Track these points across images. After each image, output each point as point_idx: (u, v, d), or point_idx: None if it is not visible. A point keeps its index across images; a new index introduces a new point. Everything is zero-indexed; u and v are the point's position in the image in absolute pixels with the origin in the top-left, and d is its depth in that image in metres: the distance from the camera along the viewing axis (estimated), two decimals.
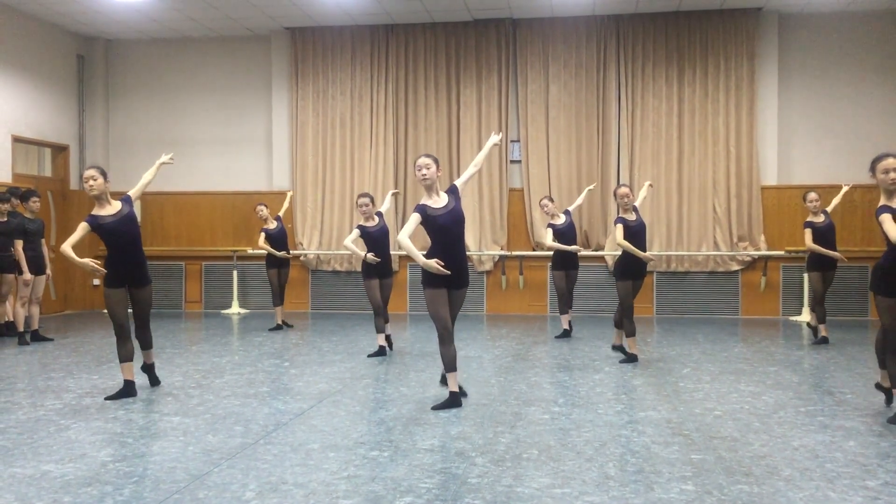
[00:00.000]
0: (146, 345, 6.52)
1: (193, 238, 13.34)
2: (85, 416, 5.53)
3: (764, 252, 11.98)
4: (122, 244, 6.09)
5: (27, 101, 12.22)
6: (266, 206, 10.76)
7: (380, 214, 8.41)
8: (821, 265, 8.96)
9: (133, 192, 6.35)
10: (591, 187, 10.63)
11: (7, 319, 9.60)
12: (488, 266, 12.63)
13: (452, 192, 5.78)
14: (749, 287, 12.15)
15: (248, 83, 13.43)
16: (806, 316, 11.61)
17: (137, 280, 6.20)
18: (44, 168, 13.23)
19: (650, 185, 9.04)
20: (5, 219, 9.07)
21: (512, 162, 12.71)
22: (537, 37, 12.49)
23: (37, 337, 9.27)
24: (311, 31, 12.91)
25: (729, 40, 12.09)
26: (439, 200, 5.72)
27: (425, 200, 5.72)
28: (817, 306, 9.08)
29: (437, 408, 5.70)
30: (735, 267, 12.15)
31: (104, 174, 6.13)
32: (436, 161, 5.74)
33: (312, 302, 12.98)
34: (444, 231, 5.64)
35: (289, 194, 11.79)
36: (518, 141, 12.66)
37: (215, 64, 13.50)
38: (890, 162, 5.29)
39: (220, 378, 6.97)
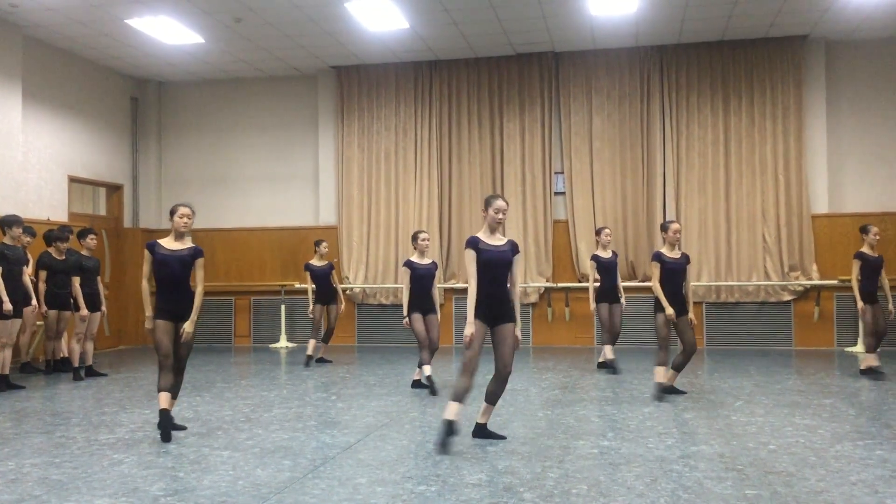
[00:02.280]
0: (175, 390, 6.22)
1: (243, 273, 13.57)
2: (137, 450, 5.62)
3: (816, 281, 11.72)
4: (164, 277, 6.11)
5: (83, 142, 12.62)
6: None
7: (436, 264, 8.52)
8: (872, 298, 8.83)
9: (199, 266, 6.26)
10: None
11: (62, 355, 9.83)
12: (534, 298, 12.58)
13: (512, 244, 5.82)
14: (802, 317, 11.88)
15: (295, 121, 13.70)
16: (862, 346, 11.29)
17: (179, 314, 6.12)
18: (99, 207, 13.61)
19: None
20: (63, 257, 9.33)
21: (556, 194, 12.70)
22: (580, 69, 12.53)
23: (91, 372, 9.47)
24: (356, 69, 13.14)
25: (775, 68, 11.97)
26: (496, 240, 5.78)
27: (481, 235, 5.79)
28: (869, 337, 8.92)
29: (437, 444, 5.52)
30: (787, 297, 11.91)
31: (194, 215, 6.32)
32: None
33: (359, 335, 13.06)
34: (488, 267, 5.66)
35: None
36: (562, 173, 12.66)
37: (263, 103, 13.81)
38: None
39: (269, 412, 7.03)
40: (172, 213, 6.21)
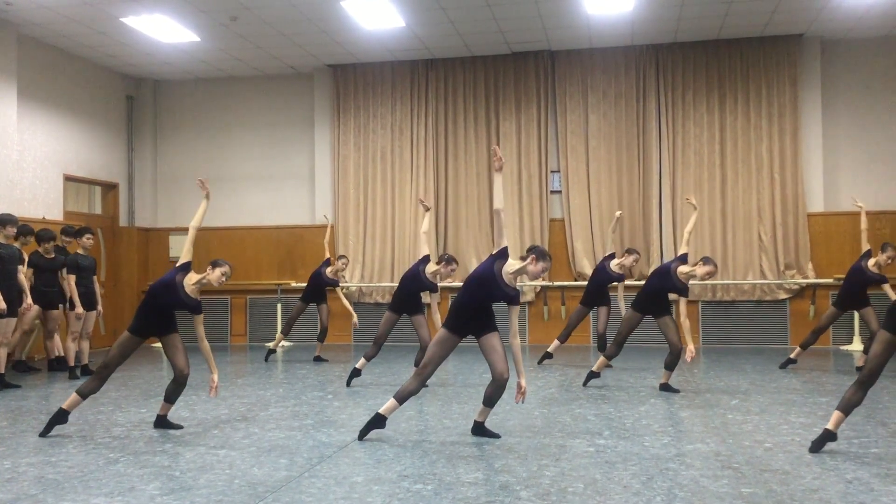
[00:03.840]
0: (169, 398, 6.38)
1: (238, 272, 13.45)
2: (133, 449, 5.61)
3: (812, 280, 11.75)
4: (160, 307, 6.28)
5: (78, 141, 12.60)
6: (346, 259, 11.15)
7: (426, 259, 8.40)
8: None
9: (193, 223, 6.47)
10: (618, 214, 10.30)
11: (57, 354, 9.81)
12: (530, 297, 12.59)
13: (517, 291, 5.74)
14: (797, 316, 11.91)
15: (292, 119, 13.69)
16: (858, 345, 11.36)
17: (161, 331, 6.32)
18: (94, 206, 13.59)
19: (694, 207, 8.58)
20: (52, 256, 9.33)
21: (552, 192, 12.71)
22: (576, 68, 12.53)
23: (87, 371, 9.45)
24: (353, 68, 13.13)
25: (770, 67, 11.99)
26: (512, 279, 5.69)
27: (507, 267, 5.68)
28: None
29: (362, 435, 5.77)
30: (783, 295, 11.94)
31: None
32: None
33: (355, 334, 13.05)
34: (481, 286, 5.75)
35: (329, 225, 11.53)
36: (558, 171, 12.67)
37: (259, 101, 13.80)
38: None
39: (265, 411, 7.03)
40: (215, 265, 6.22)
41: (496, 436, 5.81)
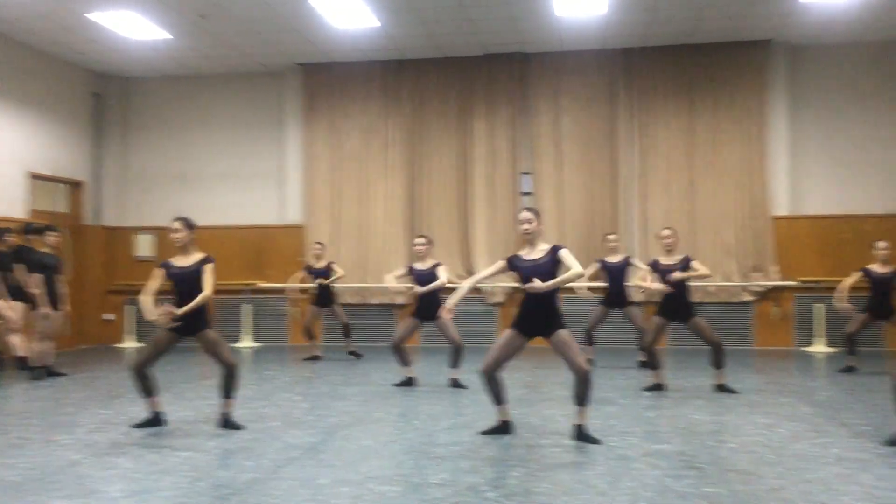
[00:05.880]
0: (226, 391, 6.31)
1: None
2: (96, 450, 5.53)
3: (777, 282, 11.91)
4: (178, 294, 6.20)
5: (43, 138, 12.40)
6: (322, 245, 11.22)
7: (438, 265, 8.49)
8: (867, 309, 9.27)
9: (207, 271, 6.27)
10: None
11: (18, 354, 9.62)
12: (500, 298, 12.61)
13: (553, 250, 5.75)
14: (762, 318, 12.06)
15: (262, 118, 13.59)
16: (821, 346, 11.54)
17: (189, 330, 6.20)
18: (60, 204, 13.38)
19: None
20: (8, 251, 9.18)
21: (523, 194, 12.74)
22: (548, 70, 12.59)
23: (50, 372, 9.30)
24: (324, 67, 13.07)
25: (739, 72, 12.14)
26: (533, 252, 5.80)
27: (521, 251, 5.88)
28: (848, 338, 9.38)
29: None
30: (748, 298, 12.08)
31: (189, 226, 6.35)
32: (537, 215, 5.84)
33: (326, 335, 12.98)
34: (525, 283, 5.71)
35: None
36: (529, 173, 12.71)
37: (229, 100, 13.68)
38: None
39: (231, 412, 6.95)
40: None
41: (596, 441, 5.64)
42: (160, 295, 6.20)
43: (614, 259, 9.72)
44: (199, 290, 6.16)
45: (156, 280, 6.23)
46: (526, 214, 5.81)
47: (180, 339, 6.24)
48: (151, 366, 6.25)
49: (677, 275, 7.85)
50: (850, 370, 9.23)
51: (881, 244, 9.25)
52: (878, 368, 9.45)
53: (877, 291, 9.22)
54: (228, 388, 6.27)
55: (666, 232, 8.13)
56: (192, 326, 6.19)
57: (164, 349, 6.23)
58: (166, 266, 6.30)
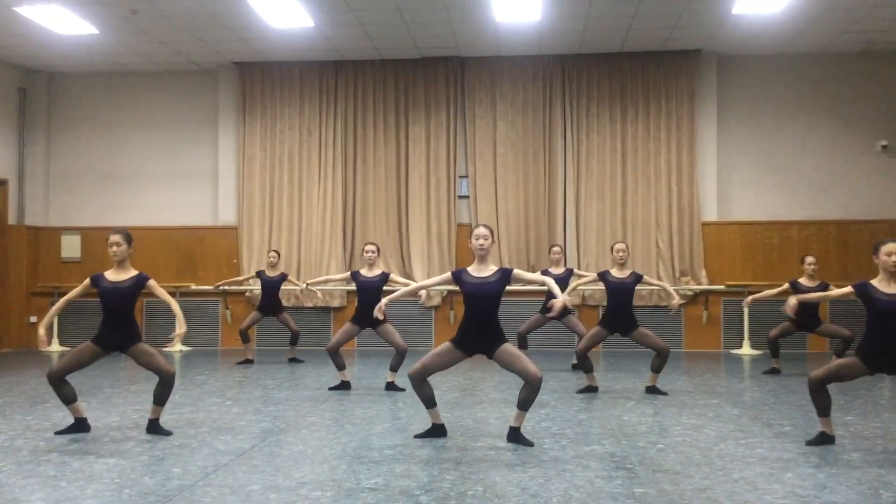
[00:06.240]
0: (157, 398, 6.18)
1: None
2: (16, 458, 5.33)
3: (705, 286, 12.22)
4: (106, 310, 6.13)
5: None
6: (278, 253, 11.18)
7: (386, 276, 8.45)
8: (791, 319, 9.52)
9: (154, 288, 6.26)
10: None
11: None
12: (437, 301, 12.62)
13: (504, 272, 5.81)
14: (691, 321, 12.36)
15: (194, 117, 13.33)
16: (747, 349, 11.88)
17: (118, 346, 6.15)
18: None
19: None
20: None
21: (460, 197, 12.80)
22: (485, 75, 12.67)
23: None
24: (259, 66, 12.90)
25: (670, 81, 12.42)
26: (483, 270, 5.81)
27: (469, 267, 5.87)
28: (770, 342, 9.73)
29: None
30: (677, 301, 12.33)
31: (129, 240, 6.18)
32: (492, 233, 5.88)
33: (258, 339, 12.79)
34: (469, 300, 5.78)
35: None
36: (466, 177, 12.76)
37: (161, 97, 13.38)
38: (891, 247, 5.47)
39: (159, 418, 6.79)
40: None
41: (530, 443, 5.68)
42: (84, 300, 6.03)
43: (558, 271, 9.86)
44: (129, 307, 6.12)
45: (81, 290, 6.17)
46: (483, 231, 5.82)
47: (106, 353, 6.14)
48: (68, 374, 6.09)
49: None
50: (773, 372, 9.54)
51: (809, 259, 9.55)
52: (801, 370, 9.77)
53: (803, 304, 9.50)
54: (163, 396, 6.14)
55: (620, 246, 8.25)
56: (122, 341, 6.11)
57: (86, 362, 6.12)
58: (97, 280, 6.13)
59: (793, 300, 5.99)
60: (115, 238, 6.13)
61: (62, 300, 6.23)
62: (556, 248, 10.22)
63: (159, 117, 13.38)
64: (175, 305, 6.30)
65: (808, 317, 9.42)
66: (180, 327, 6.28)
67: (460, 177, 12.79)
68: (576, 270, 10.32)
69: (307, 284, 9.79)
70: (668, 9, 10.44)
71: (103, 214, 13.03)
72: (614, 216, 12.42)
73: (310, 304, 12.73)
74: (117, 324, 6.12)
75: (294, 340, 10.86)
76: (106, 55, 12.37)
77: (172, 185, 13.27)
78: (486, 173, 12.66)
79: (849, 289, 5.64)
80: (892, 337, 5.41)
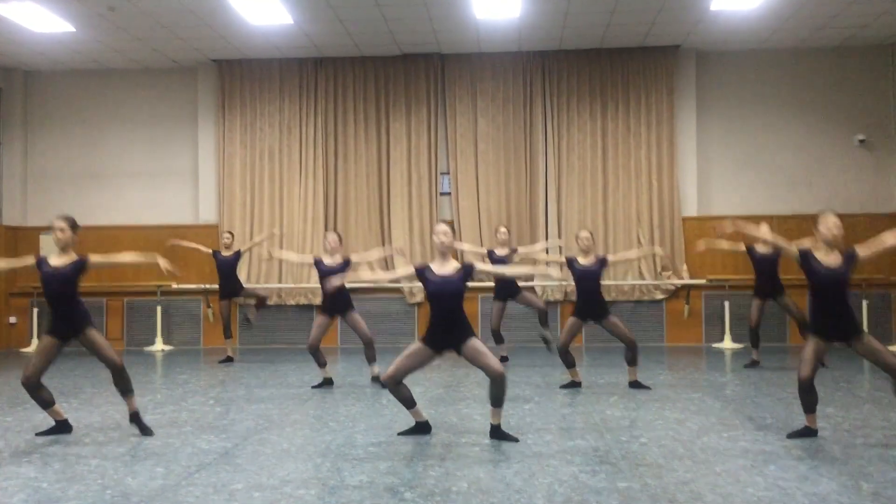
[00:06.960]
0: (121, 392, 6.15)
1: (115, 273, 12.92)
2: None
3: (686, 281, 12.30)
4: (47, 295, 6.07)
5: None
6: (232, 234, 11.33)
7: (348, 262, 8.48)
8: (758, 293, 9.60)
9: (95, 258, 6.19)
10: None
11: None
12: (419, 298, 12.61)
13: (465, 268, 5.84)
14: (673, 315, 12.43)
15: (174, 115, 13.22)
16: (729, 342, 11.97)
17: (72, 332, 6.04)
18: None
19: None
20: None
21: (442, 194, 12.78)
22: (465, 71, 12.66)
23: None
24: (239, 64, 12.82)
25: (649, 77, 12.48)
26: (444, 267, 5.85)
27: (432, 263, 5.92)
28: (751, 332, 9.72)
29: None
30: (659, 296, 12.43)
31: (74, 226, 6.10)
32: (453, 230, 5.95)
33: (240, 337, 12.73)
34: (433, 299, 5.84)
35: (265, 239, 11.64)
36: (448, 174, 12.76)
37: (140, 95, 13.26)
38: (830, 219, 5.80)
39: (142, 418, 6.74)
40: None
41: (515, 439, 5.72)
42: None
43: (501, 251, 9.90)
44: (69, 290, 6.01)
45: (19, 262, 6.32)
46: (444, 227, 5.89)
47: (65, 343, 6.06)
48: (42, 375, 5.99)
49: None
50: (754, 364, 9.61)
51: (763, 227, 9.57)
52: (781, 364, 9.86)
53: (761, 272, 9.64)
54: (123, 387, 6.10)
55: (584, 234, 8.29)
56: (72, 327, 6.00)
57: (53, 356, 6.04)
58: (41, 263, 6.06)
59: (732, 223, 6.33)
60: (59, 224, 6.05)
61: (3, 265, 6.42)
62: (503, 229, 10.15)
63: (138, 115, 13.26)
64: (128, 255, 6.57)
65: (769, 281, 9.55)
66: (158, 261, 6.51)
67: (442, 173, 12.78)
68: (519, 249, 10.22)
69: (271, 254, 10.04)
70: (646, 5, 10.48)
71: (82, 214, 12.60)
72: (595, 211, 12.46)
73: (292, 303, 12.68)
74: (63, 310, 6.02)
75: (260, 305, 11.06)
76: (83, 53, 12.24)
77: (152, 184, 13.17)
78: (468, 170, 12.66)
79: (795, 250, 5.85)
80: (832, 305, 5.67)
